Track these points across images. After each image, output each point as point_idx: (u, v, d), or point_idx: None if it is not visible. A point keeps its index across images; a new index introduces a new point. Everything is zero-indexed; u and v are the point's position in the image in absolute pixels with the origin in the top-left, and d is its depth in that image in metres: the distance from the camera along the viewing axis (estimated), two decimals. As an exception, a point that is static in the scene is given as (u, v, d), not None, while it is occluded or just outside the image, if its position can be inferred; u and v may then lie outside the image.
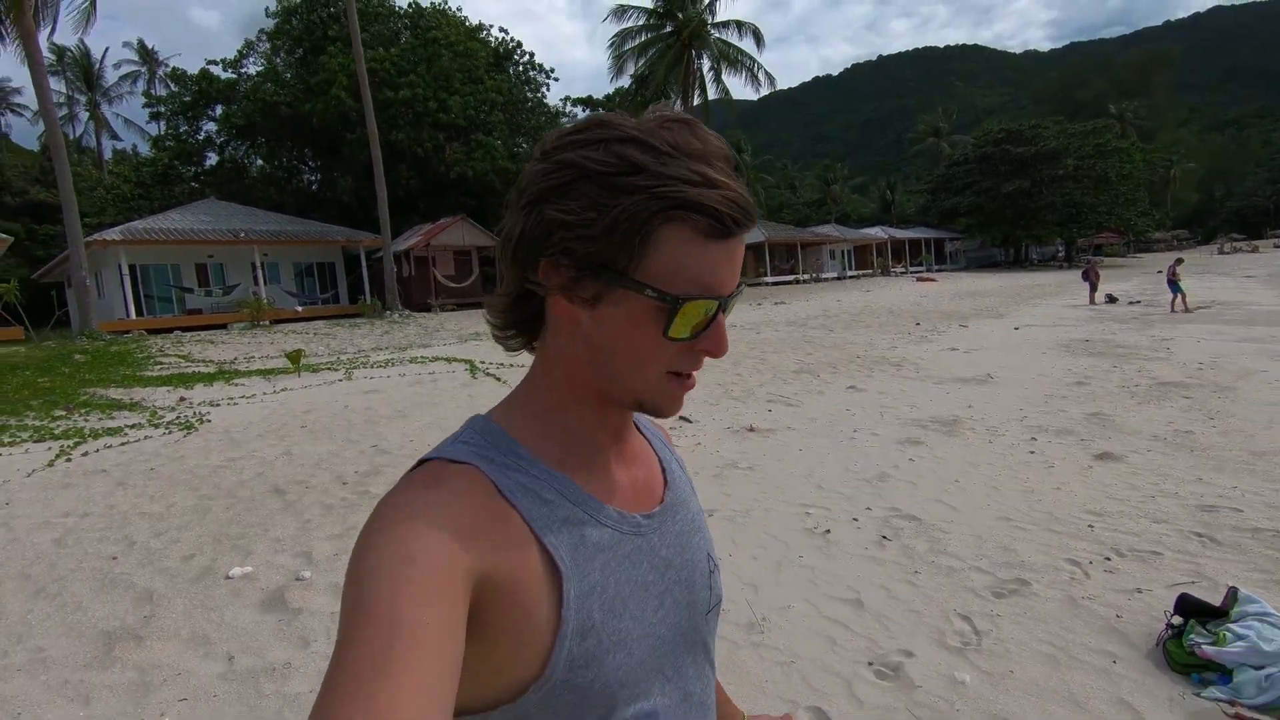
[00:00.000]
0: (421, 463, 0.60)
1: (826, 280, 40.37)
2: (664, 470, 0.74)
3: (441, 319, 21.57)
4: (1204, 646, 2.45)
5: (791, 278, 39.09)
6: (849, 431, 6.52)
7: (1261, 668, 2.33)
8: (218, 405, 9.03)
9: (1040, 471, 5.04)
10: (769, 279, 37.31)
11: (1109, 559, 3.48)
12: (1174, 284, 17.48)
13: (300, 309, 23.18)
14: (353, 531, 4.27)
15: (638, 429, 0.75)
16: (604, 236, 0.54)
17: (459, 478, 0.57)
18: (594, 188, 0.54)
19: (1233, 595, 2.65)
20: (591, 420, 0.64)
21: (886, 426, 6.65)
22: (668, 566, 0.66)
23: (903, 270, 48.38)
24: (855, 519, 4.22)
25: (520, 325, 0.64)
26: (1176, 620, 2.68)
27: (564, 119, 35.39)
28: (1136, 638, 2.76)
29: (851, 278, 43.12)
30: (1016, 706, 2.38)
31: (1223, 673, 2.39)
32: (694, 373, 0.61)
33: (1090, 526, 3.92)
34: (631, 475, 0.68)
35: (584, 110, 37.46)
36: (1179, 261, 18.67)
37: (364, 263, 25.65)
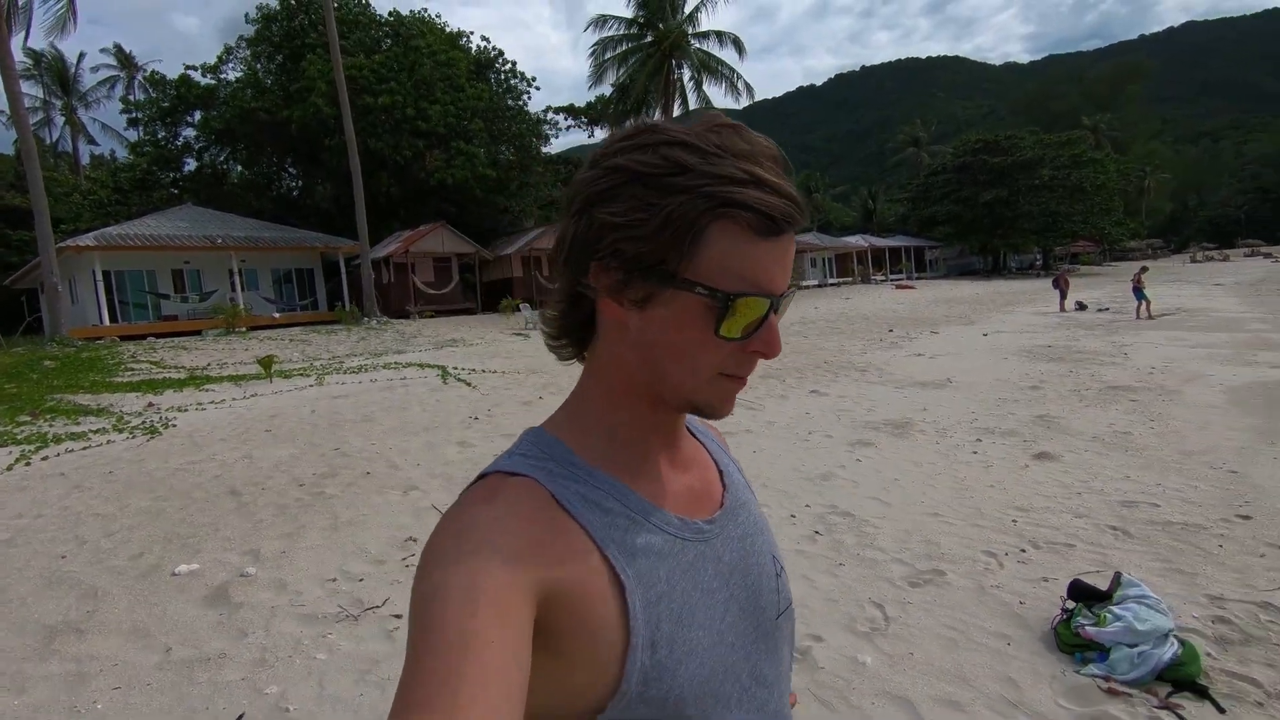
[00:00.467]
0: (481, 478, 0.60)
1: (807, 288, 40.74)
2: (721, 474, 0.73)
3: (419, 325, 21.58)
4: (1087, 627, 2.61)
5: (772, 285, 39.36)
6: (804, 434, 6.68)
7: (1135, 645, 2.49)
8: (185, 410, 9.04)
9: (979, 470, 5.22)
10: (750, 286, 37.56)
11: (1024, 550, 3.65)
12: (1139, 291, 17.91)
13: (278, 315, 23.10)
14: (304, 530, 4.36)
15: (691, 433, 0.74)
16: (653, 236, 0.54)
17: (517, 491, 0.56)
18: (642, 189, 0.54)
19: (1116, 580, 2.82)
20: (645, 426, 0.64)
21: (841, 429, 6.82)
22: (732, 572, 0.64)
23: (883, 278, 48.91)
24: (793, 515, 4.36)
25: (572, 333, 0.64)
26: (1070, 605, 2.84)
27: (545, 126, 35.57)
28: (1034, 622, 2.92)
29: (832, 285, 43.55)
30: (909, 684, 2.52)
31: (1102, 651, 2.55)
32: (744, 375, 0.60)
33: (1014, 521, 4.10)
34: (689, 481, 0.68)
35: (566, 117, 37.67)
36: (1143, 269, 19.14)
37: (343, 269, 25.63)
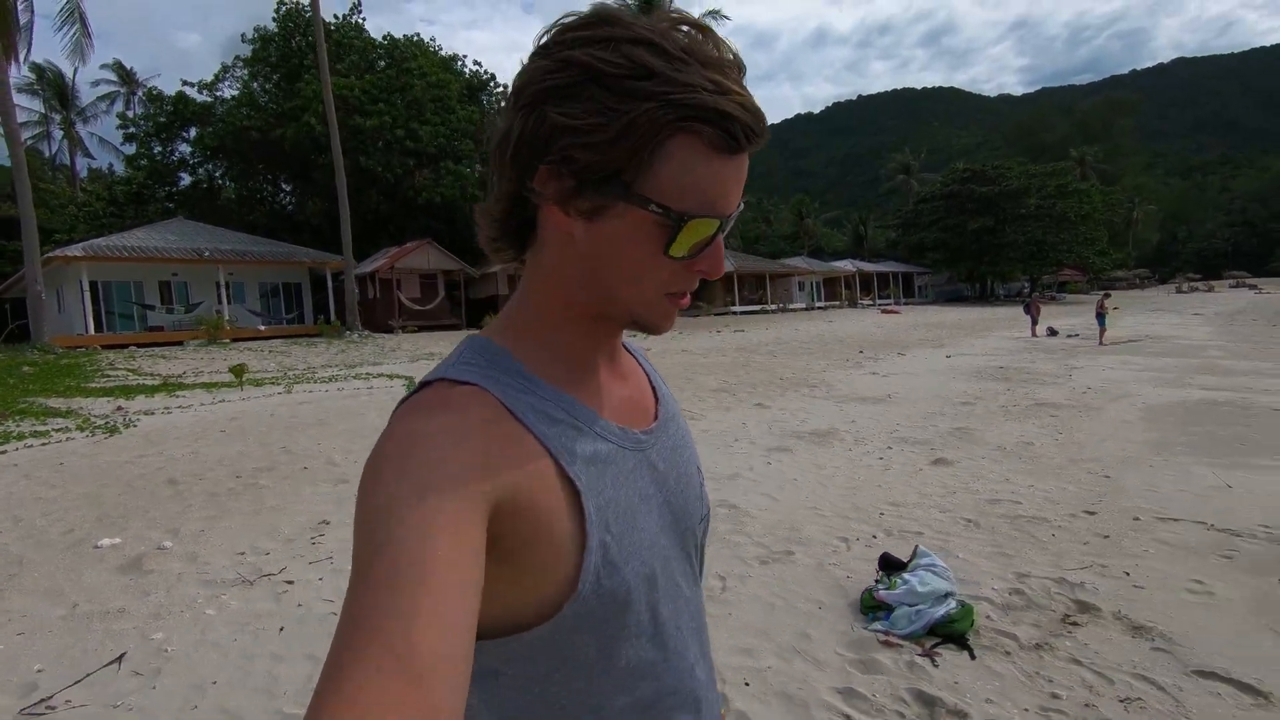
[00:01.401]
0: (424, 385, 0.57)
1: (794, 310, 41.28)
2: (654, 387, 0.75)
3: (400, 340, 21.95)
4: (881, 591, 2.95)
5: (758, 308, 39.94)
6: (730, 441, 7.02)
7: (914, 605, 2.83)
8: (151, 414, 9.36)
9: (876, 473, 5.56)
10: (737, 308, 38.13)
11: (875, 537, 3.99)
12: (1101, 317, 18.40)
13: (263, 328, 23.48)
14: (229, 513, 4.68)
15: (625, 349, 0.76)
16: (611, 145, 0.51)
17: (466, 398, 0.54)
18: (602, 91, 0.50)
19: (914, 552, 3.16)
20: (586, 338, 0.64)
21: (768, 437, 7.15)
22: (664, 478, 0.66)
23: (870, 302, 49.55)
24: (683, 507, 4.69)
25: (510, 236, 0.62)
26: (879, 574, 3.18)
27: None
28: (853, 592, 3.25)
29: (819, 309, 44.11)
30: (716, 637, 2.85)
31: (889, 610, 2.88)
32: (688, 291, 0.60)
33: (881, 514, 4.44)
34: (628, 392, 0.69)
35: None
36: (1106, 296, 19.67)
37: (329, 284, 26.07)
